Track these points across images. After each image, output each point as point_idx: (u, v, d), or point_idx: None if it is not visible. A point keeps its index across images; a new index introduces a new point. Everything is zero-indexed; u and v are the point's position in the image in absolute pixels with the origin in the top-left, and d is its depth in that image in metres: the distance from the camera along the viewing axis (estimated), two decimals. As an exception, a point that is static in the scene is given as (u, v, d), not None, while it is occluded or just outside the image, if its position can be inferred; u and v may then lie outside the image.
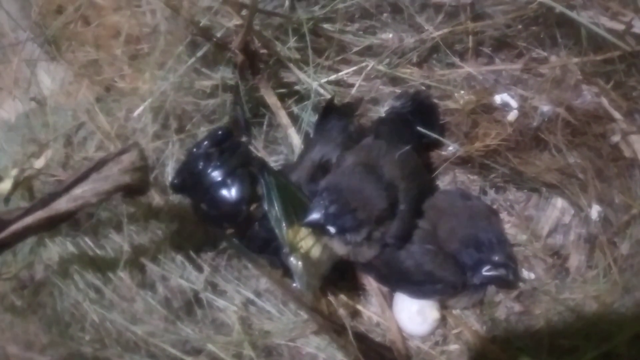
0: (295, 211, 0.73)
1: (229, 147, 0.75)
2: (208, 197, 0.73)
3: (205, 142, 0.74)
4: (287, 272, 0.73)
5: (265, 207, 0.72)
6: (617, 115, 0.77)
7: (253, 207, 0.73)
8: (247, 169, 0.74)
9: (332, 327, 0.72)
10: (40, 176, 0.74)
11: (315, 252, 0.72)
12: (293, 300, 0.75)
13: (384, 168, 0.75)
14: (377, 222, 0.72)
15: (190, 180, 0.74)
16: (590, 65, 0.78)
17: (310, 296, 0.73)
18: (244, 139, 0.85)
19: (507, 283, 0.79)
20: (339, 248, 0.74)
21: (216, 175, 0.73)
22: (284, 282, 0.74)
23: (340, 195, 0.70)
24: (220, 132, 0.76)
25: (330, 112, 0.85)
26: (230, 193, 0.72)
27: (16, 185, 0.69)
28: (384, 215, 0.72)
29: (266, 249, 0.74)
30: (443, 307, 0.80)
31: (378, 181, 0.73)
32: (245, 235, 0.74)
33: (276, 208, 0.72)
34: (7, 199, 0.68)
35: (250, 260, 0.78)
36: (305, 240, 0.72)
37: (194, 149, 0.75)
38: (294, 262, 0.71)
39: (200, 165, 0.73)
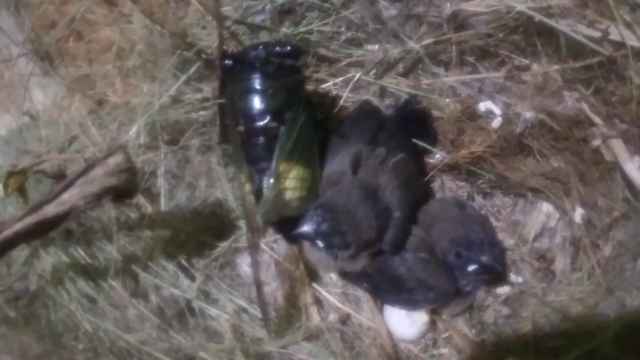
0: (301, 154, 0.76)
1: (288, 66, 0.76)
2: (243, 93, 0.75)
3: (276, 48, 0.75)
4: (257, 193, 0.76)
5: (281, 131, 0.75)
6: (597, 120, 0.79)
7: (273, 124, 0.75)
8: (291, 93, 0.76)
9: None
10: (34, 171, 0.75)
11: (291, 195, 0.75)
12: (247, 220, 0.78)
13: (382, 185, 0.76)
14: (365, 246, 0.74)
15: (238, 68, 0.76)
16: (570, 72, 0.79)
17: (260, 223, 0.75)
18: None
19: (493, 279, 0.81)
20: (328, 265, 0.76)
21: (261, 82, 0.75)
22: (250, 198, 0.77)
23: (334, 215, 0.71)
24: (289, 48, 0.76)
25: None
26: (263, 101, 0.74)
27: (9, 175, 0.70)
28: (371, 242, 0.74)
29: (256, 163, 0.76)
30: (432, 311, 0.81)
31: (374, 205, 0.74)
32: (248, 140, 0.76)
33: (288, 138, 0.75)
34: (5, 186, 0.70)
35: (236, 162, 0.79)
36: (290, 181, 0.76)
37: (261, 47, 0.76)
38: (269, 189, 0.74)
39: (257, 64, 0.75)
